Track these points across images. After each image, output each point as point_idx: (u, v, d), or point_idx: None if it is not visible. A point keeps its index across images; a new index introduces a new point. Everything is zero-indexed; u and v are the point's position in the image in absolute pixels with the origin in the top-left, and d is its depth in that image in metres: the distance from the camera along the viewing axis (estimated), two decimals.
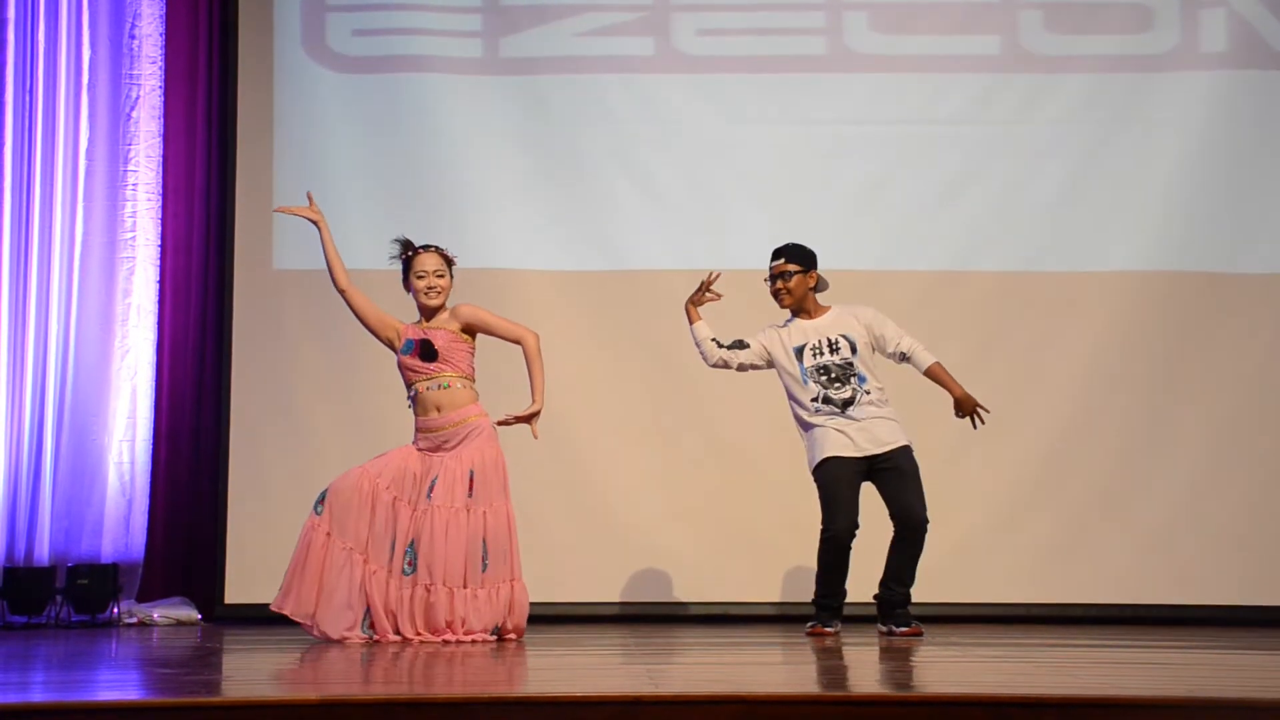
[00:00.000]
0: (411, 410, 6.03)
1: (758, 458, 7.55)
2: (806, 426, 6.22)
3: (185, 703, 3.80)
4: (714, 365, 6.39)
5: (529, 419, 5.98)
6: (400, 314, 6.15)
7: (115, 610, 7.28)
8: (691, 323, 6.39)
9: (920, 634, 6.11)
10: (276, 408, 7.67)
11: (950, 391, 6.23)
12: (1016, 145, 7.83)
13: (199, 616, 7.43)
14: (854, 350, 6.19)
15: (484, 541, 5.87)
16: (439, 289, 6.01)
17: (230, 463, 7.65)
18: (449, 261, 6.08)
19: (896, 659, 5.16)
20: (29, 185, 7.54)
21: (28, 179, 7.54)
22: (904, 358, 6.28)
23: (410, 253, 6.06)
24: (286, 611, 5.86)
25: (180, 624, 7.29)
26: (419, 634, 5.81)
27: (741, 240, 7.49)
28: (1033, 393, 7.67)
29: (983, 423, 6.24)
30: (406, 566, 5.85)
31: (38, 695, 4.17)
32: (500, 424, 6.01)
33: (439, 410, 5.95)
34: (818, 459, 6.16)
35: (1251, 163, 7.77)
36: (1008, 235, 7.79)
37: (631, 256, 7.79)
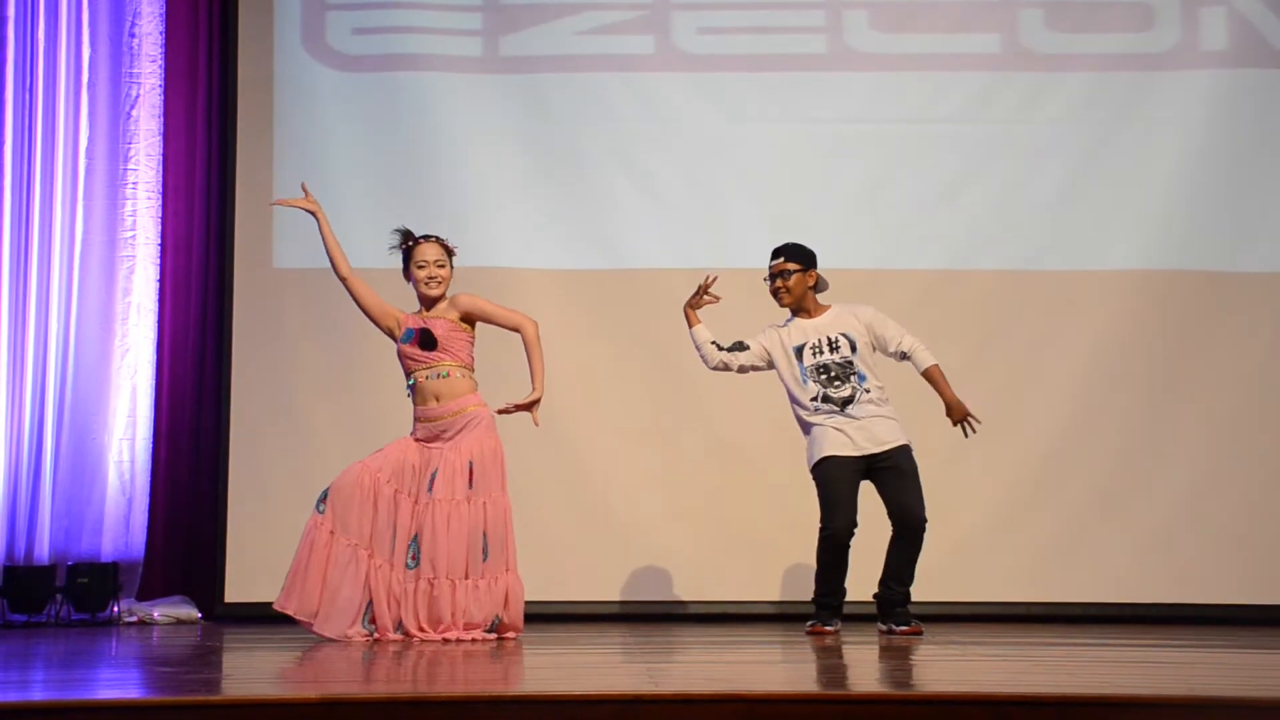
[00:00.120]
0: (410, 399, 6.03)
1: (758, 457, 7.55)
2: (807, 426, 6.22)
3: (185, 701, 3.80)
4: (715, 368, 6.39)
5: (529, 407, 5.98)
6: (400, 308, 6.15)
7: (115, 609, 7.28)
8: (691, 326, 6.38)
9: (920, 633, 6.11)
10: (276, 406, 7.67)
11: (943, 397, 6.23)
12: (1017, 144, 7.83)
13: (199, 615, 7.43)
14: (854, 349, 6.19)
15: (484, 533, 5.87)
16: (439, 279, 6.02)
17: (230, 461, 7.65)
18: (449, 252, 6.09)
19: (896, 658, 5.16)
20: (29, 184, 7.54)
21: (28, 177, 7.54)
22: (904, 357, 6.28)
23: (410, 243, 6.08)
24: (290, 611, 5.86)
25: (180, 622, 7.29)
26: (421, 629, 5.81)
27: (741, 239, 7.50)
28: (1033, 392, 7.68)
29: (974, 431, 6.23)
30: (410, 560, 5.86)
31: (38, 694, 4.17)
32: (501, 412, 6.01)
33: (437, 399, 5.96)
34: (816, 457, 6.16)
35: (1252, 161, 7.77)
36: (1008, 234, 7.79)
37: (631, 255, 7.79)
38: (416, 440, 5.99)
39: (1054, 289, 7.75)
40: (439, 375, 5.96)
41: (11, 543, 7.34)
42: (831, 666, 4.91)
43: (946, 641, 5.84)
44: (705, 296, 6.34)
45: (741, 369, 6.36)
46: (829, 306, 6.32)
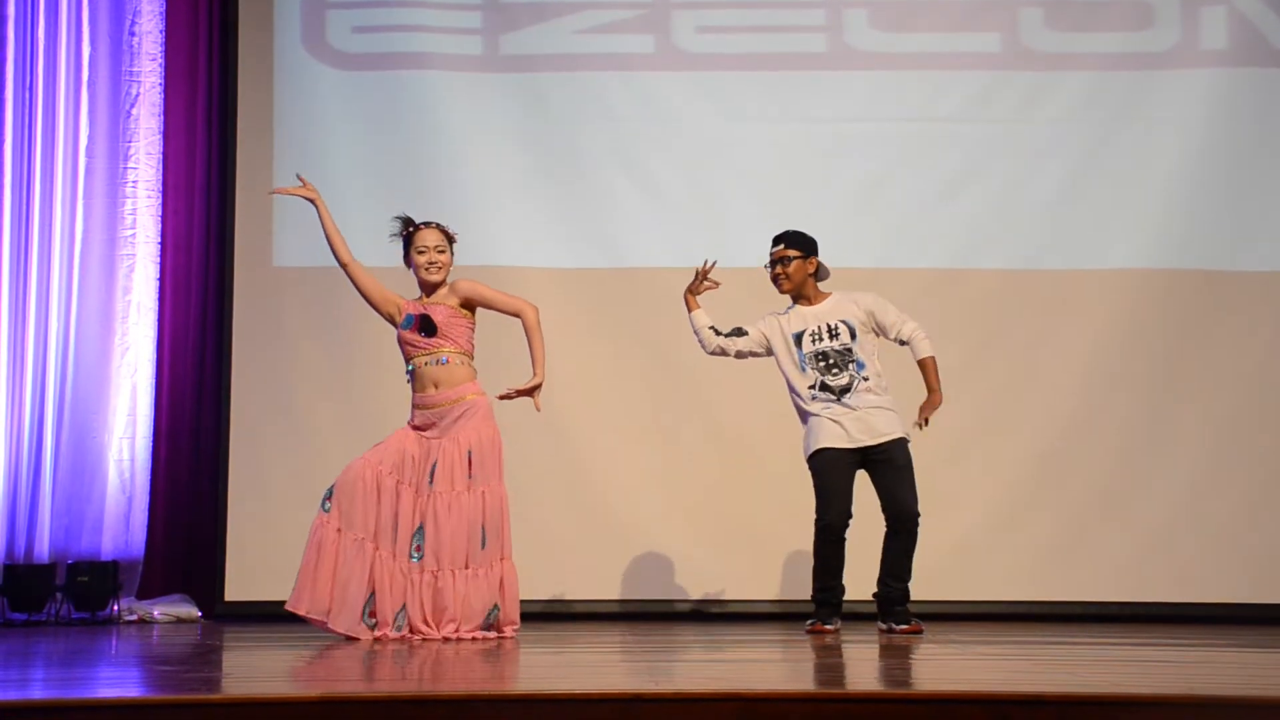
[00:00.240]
0: (410, 385, 6.03)
1: (758, 455, 7.54)
2: (804, 415, 6.22)
3: (185, 700, 3.79)
4: (712, 353, 6.39)
5: (530, 392, 5.98)
6: (401, 295, 6.15)
7: (115, 607, 7.28)
8: (690, 311, 6.39)
9: (920, 632, 6.11)
10: (276, 404, 7.68)
11: (927, 386, 6.22)
12: (1017, 143, 7.83)
13: (199, 614, 7.43)
14: (853, 336, 6.19)
15: (482, 523, 5.88)
16: (440, 264, 6.03)
17: (230, 459, 7.65)
18: (450, 238, 6.10)
19: (896, 657, 5.16)
20: (29, 182, 7.54)
21: (28, 176, 7.54)
22: (904, 343, 6.27)
23: (411, 229, 6.08)
24: (301, 611, 5.85)
25: (180, 621, 7.30)
26: (426, 621, 5.81)
27: (741, 238, 7.49)
28: (1033, 391, 7.68)
29: (926, 424, 6.20)
30: (414, 552, 5.87)
31: (38, 693, 4.16)
32: (502, 398, 6.00)
33: (436, 386, 5.96)
34: (811, 449, 6.17)
35: (1252, 161, 7.77)
36: (1008, 233, 7.79)
37: (631, 254, 7.79)
38: (414, 428, 6.00)
39: (1054, 288, 7.75)
40: (438, 362, 5.96)
41: (11, 541, 7.34)
42: (831, 665, 4.91)
43: (946, 640, 5.84)
44: (705, 282, 6.34)
45: (739, 355, 6.36)
46: (829, 294, 6.32)
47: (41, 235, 7.53)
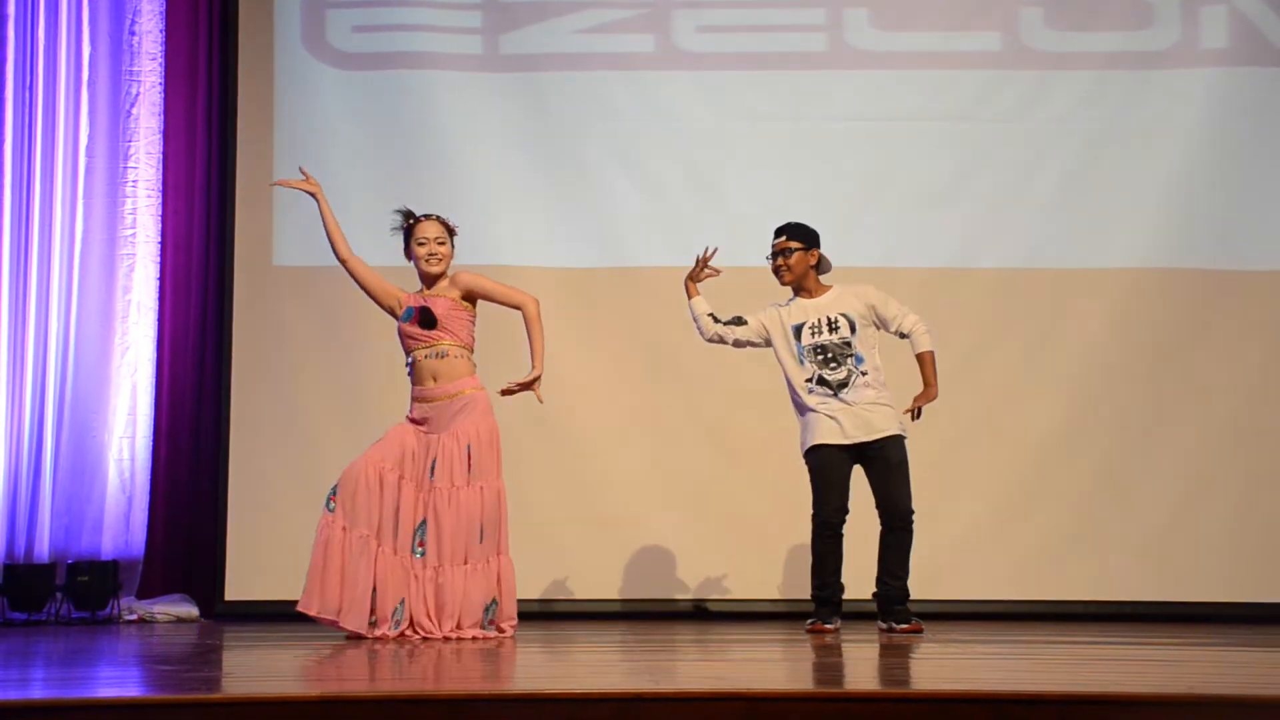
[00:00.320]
0: (409, 378, 6.03)
1: (759, 454, 7.54)
2: (801, 408, 6.22)
3: (185, 700, 3.79)
4: (709, 340, 6.38)
5: (530, 385, 5.98)
6: (402, 288, 6.16)
7: (115, 607, 7.28)
8: (690, 298, 6.38)
9: (920, 631, 6.10)
10: (277, 404, 7.68)
11: (924, 379, 6.21)
12: (1017, 142, 7.83)
13: (199, 613, 7.43)
14: (853, 329, 6.18)
15: (481, 517, 5.89)
16: (440, 255, 6.03)
17: (230, 459, 7.66)
18: (450, 230, 6.10)
19: (896, 656, 5.15)
20: (29, 182, 7.54)
21: (28, 176, 7.54)
22: (904, 336, 6.27)
23: (411, 221, 6.08)
24: (313, 612, 5.84)
25: (180, 621, 7.30)
26: (428, 617, 5.81)
27: (740, 237, 7.49)
28: (1031, 390, 7.68)
29: (919, 415, 6.20)
30: (417, 548, 5.87)
31: (38, 692, 4.16)
32: (504, 393, 6.00)
33: (435, 380, 5.96)
34: (807, 445, 6.18)
35: (1251, 160, 7.78)
36: (1007, 232, 7.79)
37: (631, 253, 7.80)
38: (413, 421, 6.00)
39: (1054, 287, 7.75)
40: (438, 355, 5.97)
41: (12, 541, 7.34)
42: (831, 665, 4.91)
43: (947, 640, 5.84)
44: (705, 270, 6.34)
45: (737, 343, 6.35)
46: (830, 287, 6.32)
47: (41, 235, 7.53)
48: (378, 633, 5.80)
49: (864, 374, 6.15)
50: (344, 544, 5.84)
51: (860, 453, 6.15)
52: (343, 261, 6.12)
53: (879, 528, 6.17)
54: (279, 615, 7.15)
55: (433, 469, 5.90)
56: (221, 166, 7.87)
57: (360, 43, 7.93)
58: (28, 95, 7.57)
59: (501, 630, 5.88)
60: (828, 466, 6.12)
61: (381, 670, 4.66)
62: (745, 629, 6.59)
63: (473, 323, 6.05)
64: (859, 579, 6.27)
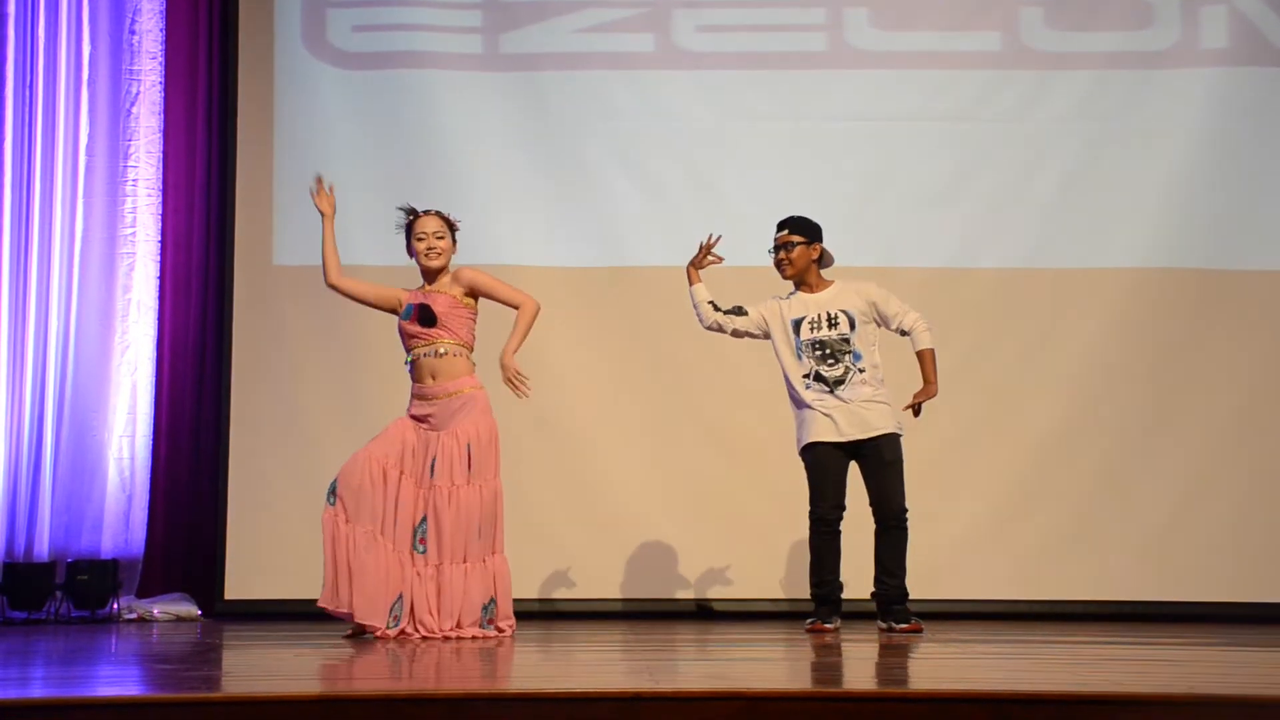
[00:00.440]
0: (409, 375, 6.03)
1: (759, 454, 7.54)
2: (798, 403, 6.22)
3: (185, 699, 3.79)
4: (708, 328, 6.37)
5: (510, 379, 5.90)
6: (405, 287, 6.15)
7: (115, 606, 7.28)
8: (691, 284, 6.37)
9: (920, 630, 6.10)
10: (277, 403, 7.67)
11: (924, 376, 6.21)
12: (1017, 141, 7.83)
13: (199, 612, 7.43)
14: (852, 326, 6.18)
15: (480, 516, 5.88)
16: (438, 250, 6.03)
17: (230, 458, 7.65)
18: (450, 225, 6.09)
19: (896, 656, 5.15)
20: (29, 181, 7.54)
21: (28, 175, 7.54)
22: (905, 334, 6.27)
23: (411, 217, 6.08)
24: (330, 608, 5.85)
25: (180, 620, 7.29)
26: (430, 614, 5.80)
27: (740, 236, 7.48)
28: (1031, 390, 7.68)
29: (919, 412, 6.21)
30: (419, 545, 5.87)
31: (37, 691, 4.16)
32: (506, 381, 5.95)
33: (434, 378, 5.96)
34: (803, 442, 6.19)
35: (1251, 160, 7.77)
36: (1007, 232, 7.79)
37: (631, 252, 7.79)
38: (412, 418, 6.00)
39: (1054, 287, 7.75)
40: (437, 353, 5.96)
41: (11, 539, 7.34)
42: (831, 664, 4.91)
43: (947, 639, 5.84)
44: (708, 257, 6.33)
45: (736, 333, 6.35)
46: (832, 282, 6.32)
47: (41, 234, 7.53)
48: (378, 631, 5.80)
49: (861, 371, 6.15)
50: (350, 538, 5.84)
51: (855, 450, 6.15)
52: (333, 286, 6.10)
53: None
54: (279, 614, 7.15)
55: (432, 467, 5.90)
56: (221, 166, 7.87)
57: (360, 42, 7.92)
58: (28, 94, 7.57)
59: (500, 630, 5.88)
60: (823, 464, 6.13)
61: (381, 669, 4.66)
62: (746, 628, 6.59)
63: (473, 321, 6.04)
64: (858, 578, 6.27)
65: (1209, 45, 7.84)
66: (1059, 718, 3.66)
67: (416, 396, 6.01)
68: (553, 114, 7.86)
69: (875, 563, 6.15)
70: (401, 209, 6.14)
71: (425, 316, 5.95)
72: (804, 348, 6.20)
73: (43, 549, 7.37)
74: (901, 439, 6.17)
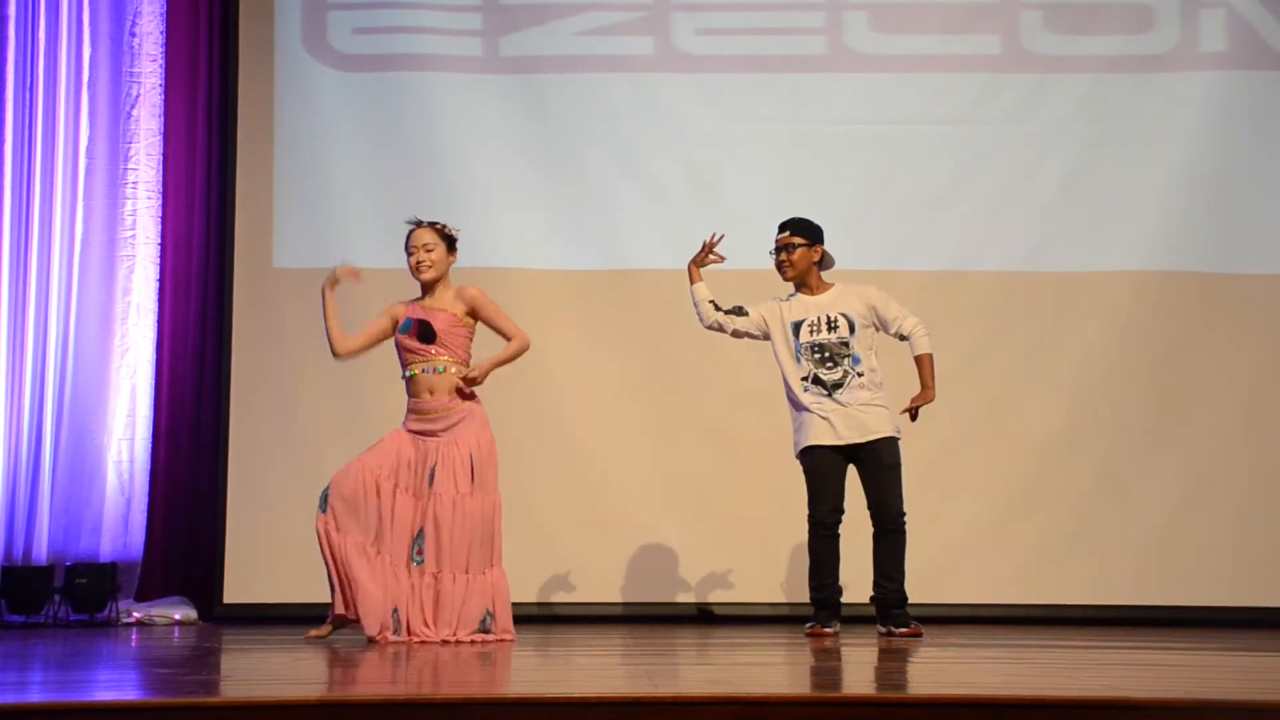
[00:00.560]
0: (406, 389, 6.02)
1: (759, 458, 7.53)
2: (797, 405, 6.21)
3: (183, 703, 3.79)
4: (709, 327, 6.37)
5: (469, 374, 5.92)
6: (398, 300, 6.14)
7: (114, 609, 7.27)
8: (692, 283, 6.37)
9: (919, 635, 6.10)
10: (276, 406, 7.67)
11: (921, 380, 6.21)
12: (1016, 145, 7.83)
13: (197, 616, 7.42)
14: (852, 329, 6.18)
15: (481, 527, 5.88)
16: (429, 263, 6.00)
17: (230, 461, 7.65)
18: (445, 236, 6.04)
19: (895, 660, 5.15)
20: (29, 183, 7.54)
21: (28, 177, 7.54)
22: (904, 338, 6.27)
23: (410, 230, 6.07)
24: (339, 614, 5.85)
25: (179, 623, 7.29)
26: (426, 626, 5.79)
27: (740, 240, 7.48)
28: (1031, 393, 7.68)
29: (915, 416, 6.21)
30: (416, 556, 5.85)
31: (35, 695, 4.16)
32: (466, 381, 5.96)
33: (431, 393, 5.95)
34: (801, 445, 6.18)
35: (1250, 163, 7.78)
36: (1006, 235, 7.79)
37: (631, 255, 7.79)
38: (409, 431, 5.99)
39: (1053, 290, 7.75)
40: (435, 370, 5.95)
41: (10, 543, 7.33)
42: (830, 669, 4.91)
43: (946, 644, 5.84)
44: (710, 255, 6.33)
45: (735, 333, 6.35)
46: (832, 285, 6.31)
47: (41, 236, 7.53)
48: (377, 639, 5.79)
49: (860, 375, 6.15)
50: (343, 546, 5.83)
51: (853, 454, 6.15)
52: (344, 356, 6.08)
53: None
54: (277, 618, 7.14)
55: (431, 476, 5.88)
56: (222, 168, 7.87)
57: (361, 44, 7.92)
58: (28, 96, 7.57)
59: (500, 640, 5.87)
60: (821, 467, 6.13)
61: (380, 673, 4.65)
62: (745, 632, 6.59)
63: (471, 339, 6.03)
64: (857, 582, 6.26)
65: (1208, 49, 7.84)
66: None
67: (413, 411, 5.99)
68: (553, 117, 7.86)
69: (874, 567, 6.15)
70: (408, 222, 6.12)
71: (425, 333, 5.94)
72: (803, 350, 6.20)
73: (41, 552, 7.37)
74: (900, 442, 6.17)
